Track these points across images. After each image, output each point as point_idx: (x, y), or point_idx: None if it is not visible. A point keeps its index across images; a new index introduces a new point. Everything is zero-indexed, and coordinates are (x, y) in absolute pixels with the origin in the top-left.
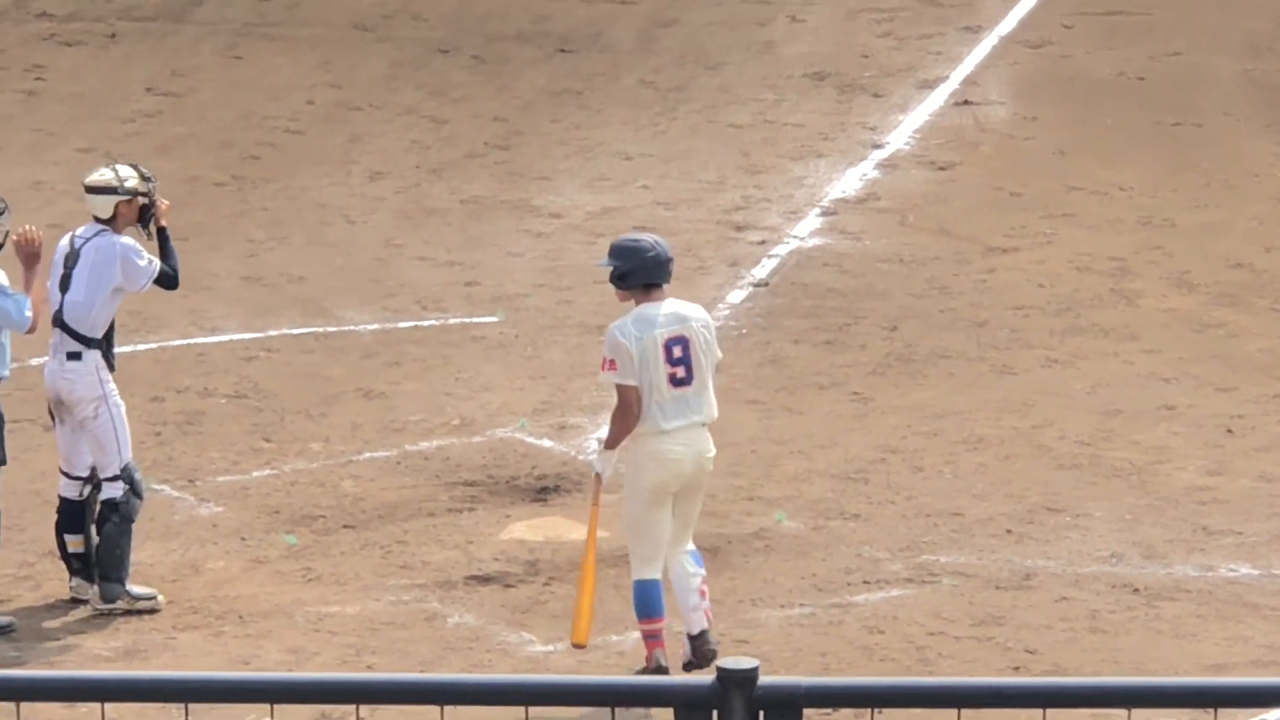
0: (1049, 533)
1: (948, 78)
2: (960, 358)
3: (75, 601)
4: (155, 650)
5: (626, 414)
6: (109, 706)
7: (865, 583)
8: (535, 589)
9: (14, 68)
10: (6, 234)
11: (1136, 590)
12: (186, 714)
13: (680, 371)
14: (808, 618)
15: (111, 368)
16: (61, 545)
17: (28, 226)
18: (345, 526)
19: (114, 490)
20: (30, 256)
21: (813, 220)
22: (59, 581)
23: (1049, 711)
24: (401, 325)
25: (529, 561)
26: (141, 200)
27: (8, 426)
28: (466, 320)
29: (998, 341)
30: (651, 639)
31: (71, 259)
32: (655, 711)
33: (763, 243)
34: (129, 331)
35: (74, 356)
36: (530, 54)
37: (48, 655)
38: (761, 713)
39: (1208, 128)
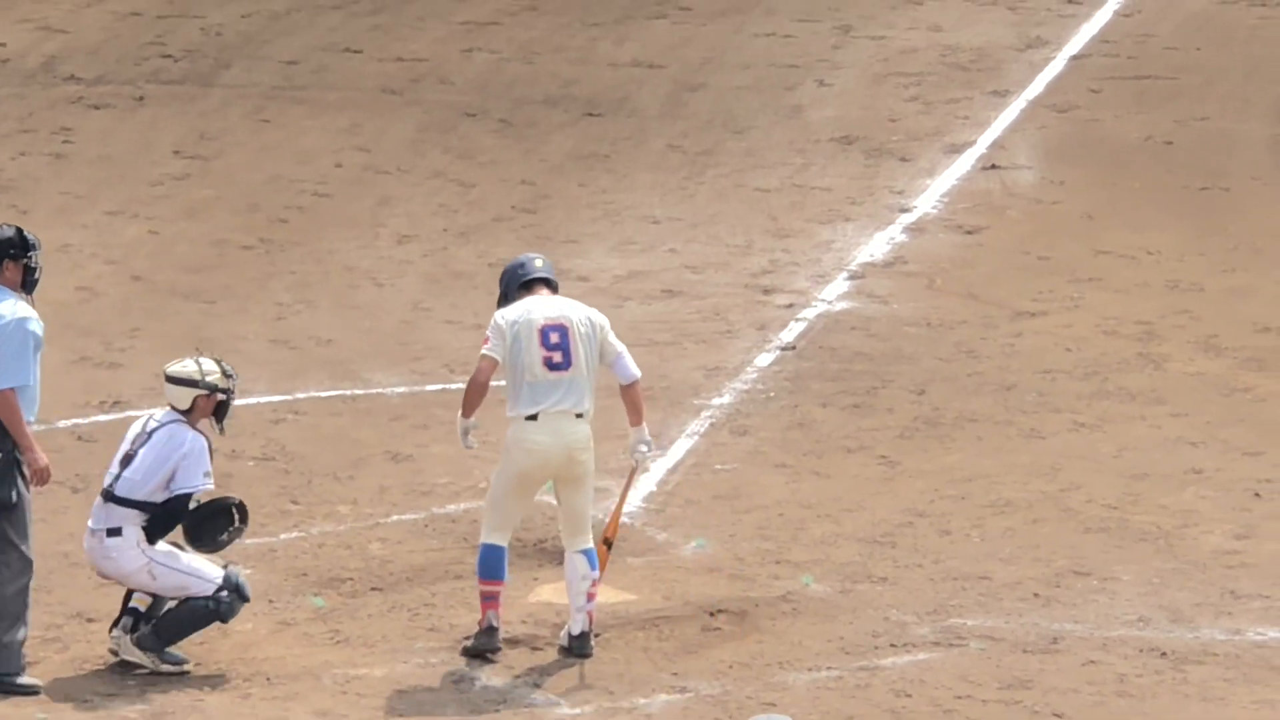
0: (1076, 596)
1: (975, 142)
2: (988, 421)
3: (110, 656)
4: (183, 712)
5: (472, 383)
6: None
7: (892, 646)
8: (563, 652)
9: (42, 130)
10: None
11: (1164, 654)
12: None
13: (556, 356)
14: (835, 681)
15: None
16: (127, 595)
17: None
18: (373, 589)
19: (221, 595)
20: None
21: (840, 284)
22: (86, 644)
23: None
24: (429, 388)
25: (557, 624)
26: (220, 396)
27: (34, 488)
28: (495, 384)
29: (1025, 405)
30: (487, 600)
31: (140, 439)
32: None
33: (790, 306)
34: (157, 394)
35: (114, 533)
36: (557, 118)
37: (75, 718)
38: None
39: (1235, 192)
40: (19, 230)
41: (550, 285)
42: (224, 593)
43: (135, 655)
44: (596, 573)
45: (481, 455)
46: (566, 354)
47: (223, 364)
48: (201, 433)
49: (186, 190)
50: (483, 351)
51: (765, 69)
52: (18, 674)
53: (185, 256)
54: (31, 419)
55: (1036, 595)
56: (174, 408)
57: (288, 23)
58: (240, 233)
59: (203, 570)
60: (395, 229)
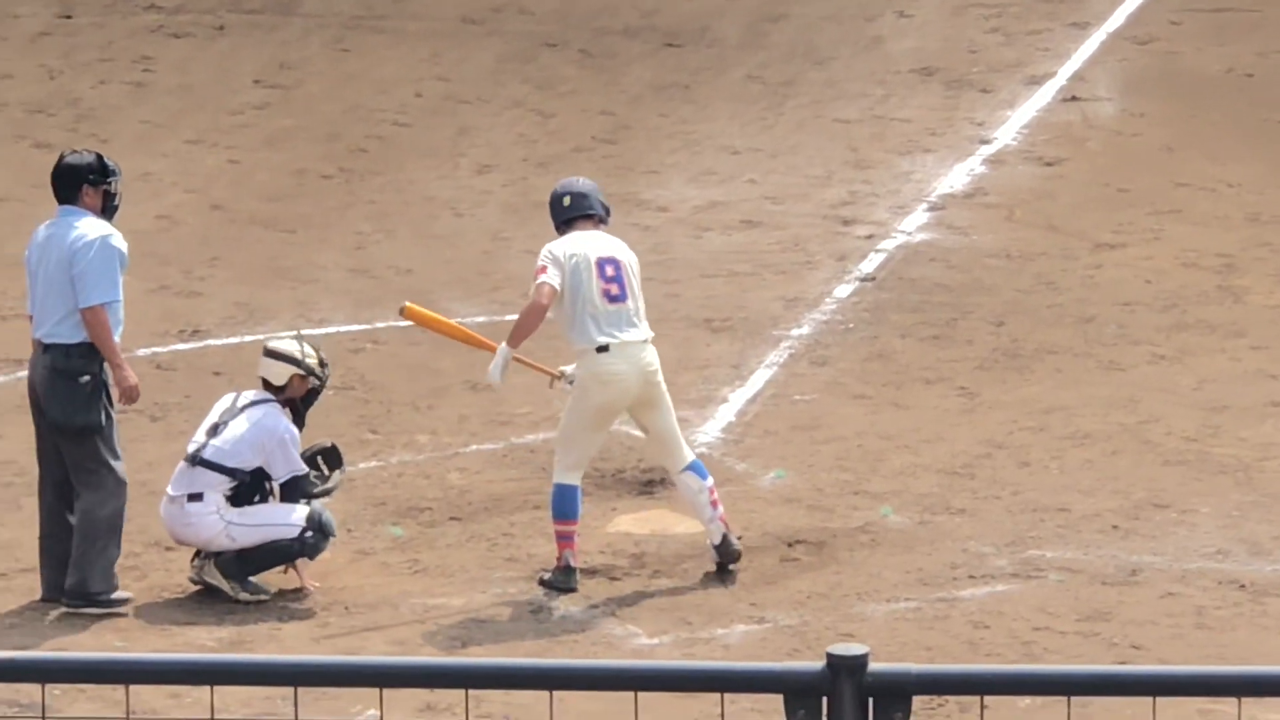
0: (1155, 528)
1: (1055, 74)
2: (1067, 353)
3: (188, 584)
4: (260, 641)
5: (532, 308)
6: (215, 694)
7: (971, 577)
8: (641, 582)
9: (122, 59)
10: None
11: (1243, 586)
12: (296, 702)
13: (614, 288)
14: (913, 612)
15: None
16: None
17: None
18: (451, 519)
19: (306, 535)
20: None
21: (920, 215)
22: (164, 573)
23: (1157, 701)
24: (508, 318)
25: (634, 554)
26: (314, 382)
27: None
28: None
29: (1104, 337)
30: (564, 539)
31: (230, 412)
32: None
33: (870, 237)
34: (236, 324)
35: (195, 498)
36: (637, 48)
37: (153, 645)
38: (870, 700)
39: None
40: (99, 156)
41: (594, 218)
42: (309, 533)
43: (216, 579)
44: (709, 480)
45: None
46: (622, 286)
47: (321, 353)
48: (296, 416)
49: (266, 119)
50: (541, 279)
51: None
52: (110, 592)
53: (265, 185)
54: (116, 338)
55: (1115, 527)
56: (266, 384)
57: None
58: (320, 162)
59: (286, 517)
60: (475, 159)
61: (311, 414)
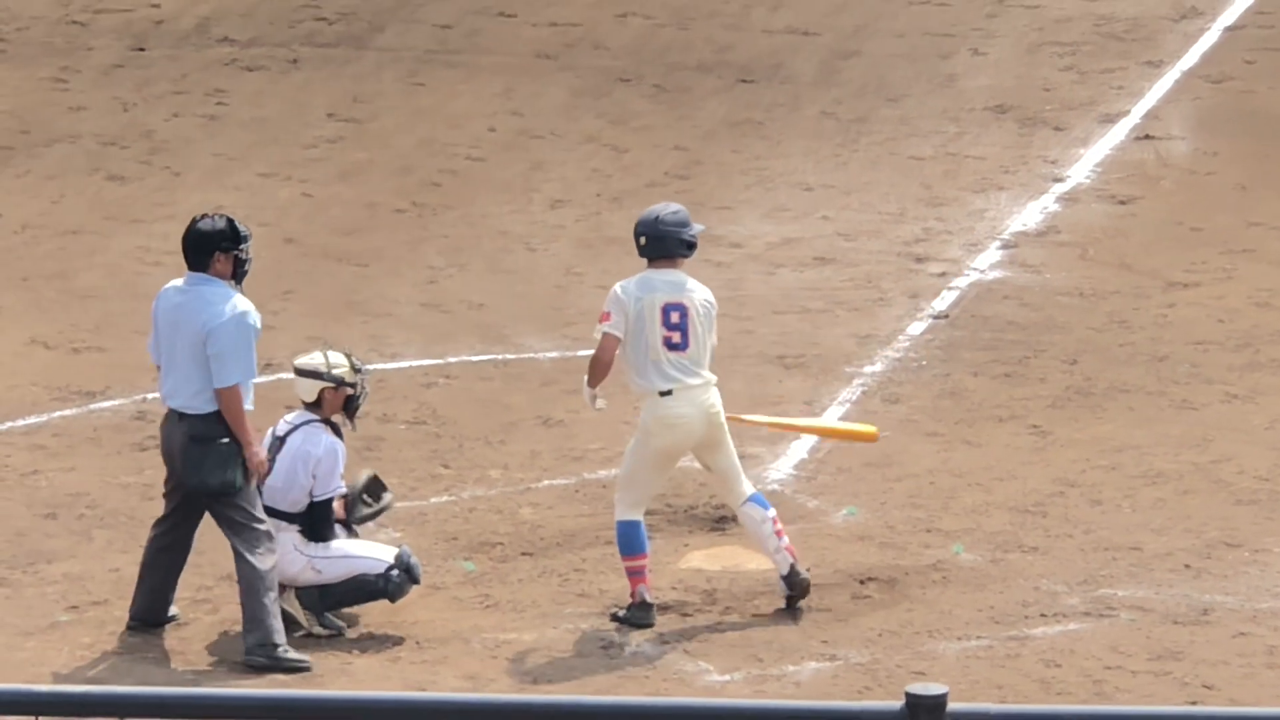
0: (1227, 568)
1: (1129, 112)
2: (1139, 392)
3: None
4: (332, 675)
5: (597, 362)
6: None
7: (1043, 616)
8: (712, 618)
9: (196, 92)
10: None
11: None
12: None
13: (675, 336)
14: (985, 650)
15: (323, 538)
16: None
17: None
18: (523, 554)
19: (391, 573)
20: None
21: (993, 253)
22: (236, 605)
23: None
24: (581, 353)
25: (706, 591)
26: (349, 390)
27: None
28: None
29: (1177, 376)
30: (635, 575)
31: (275, 447)
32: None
33: (943, 275)
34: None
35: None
36: (711, 84)
37: (225, 679)
38: None
39: None
40: (230, 221)
41: (671, 259)
42: (394, 572)
43: (294, 608)
44: (771, 510)
45: (633, 421)
46: (685, 335)
47: (352, 357)
48: (337, 429)
49: (339, 153)
50: (604, 329)
51: (919, 37)
52: (280, 646)
53: (338, 219)
54: (250, 407)
55: (1187, 566)
56: (303, 402)
57: None
58: (393, 196)
59: (372, 552)
60: (548, 194)
61: (385, 449)
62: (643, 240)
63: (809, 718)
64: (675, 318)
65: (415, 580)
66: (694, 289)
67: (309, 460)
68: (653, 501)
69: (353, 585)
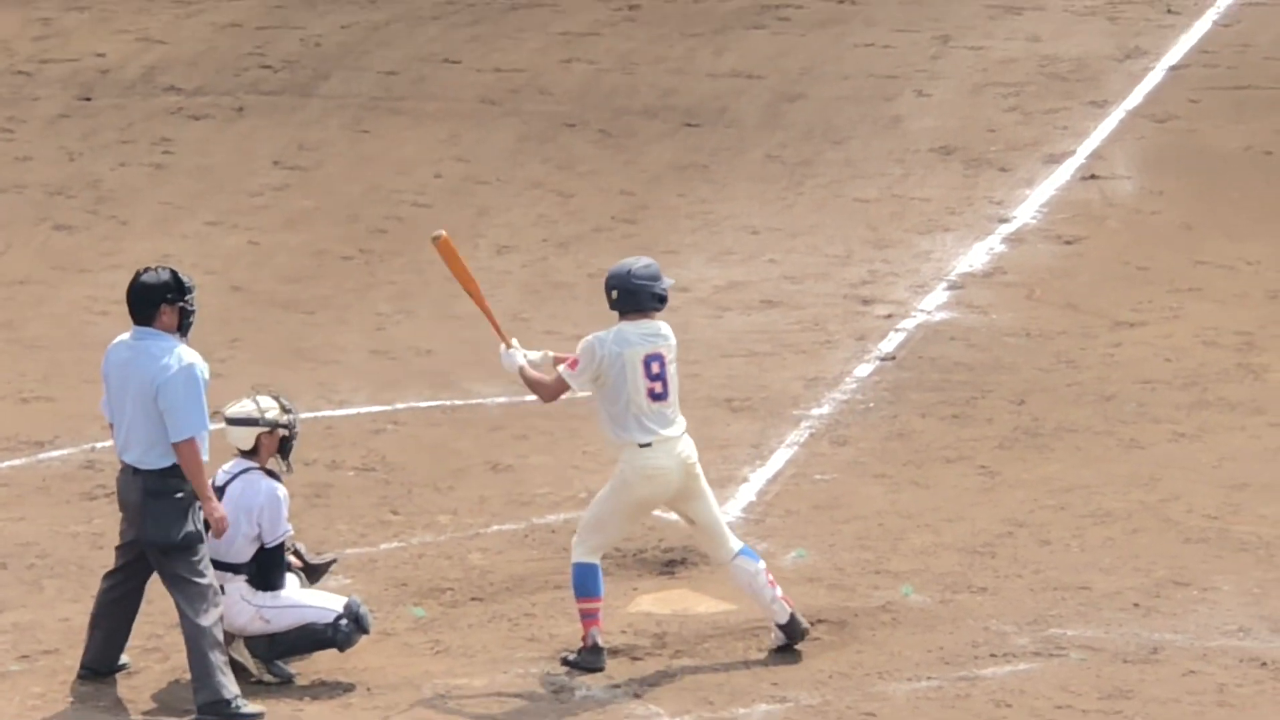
0: (1176, 606)
1: (1074, 152)
2: (1087, 431)
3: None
4: None
5: (542, 389)
6: None
7: (992, 656)
8: (663, 661)
9: (142, 141)
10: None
11: (1264, 664)
12: None
13: (658, 387)
14: (935, 691)
15: (272, 586)
16: None
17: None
18: (473, 599)
19: (340, 622)
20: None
21: (940, 294)
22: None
23: None
24: (529, 399)
25: (656, 634)
26: (282, 432)
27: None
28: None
29: (1125, 415)
30: (589, 618)
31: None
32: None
33: (889, 316)
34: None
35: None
36: (656, 128)
37: None
38: None
39: None
40: (174, 273)
41: (649, 310)
42: (344, 621)
43: (243, 656)
44: (761, 563)
45: (582, 466)
46: (665, 384)
47: (281, 399)
48: (275, 475)
49: (286, 201)
50: (566, 375)
51: (864, 79)
52: (232, 700)
53: (285, 267)
54: (206, 459)
55: (1136, 605)
56: (240, 452)
57: (386, 33)
58: (340, 243)
59: (321, 601)
60: (494, 239)
61: (334, 495)
62: (614, 294)
63: None
64: (655, 368)
65: (364, 629)
66: (666, 333)
67: (251, 510)
68: None
69: (302, 634)
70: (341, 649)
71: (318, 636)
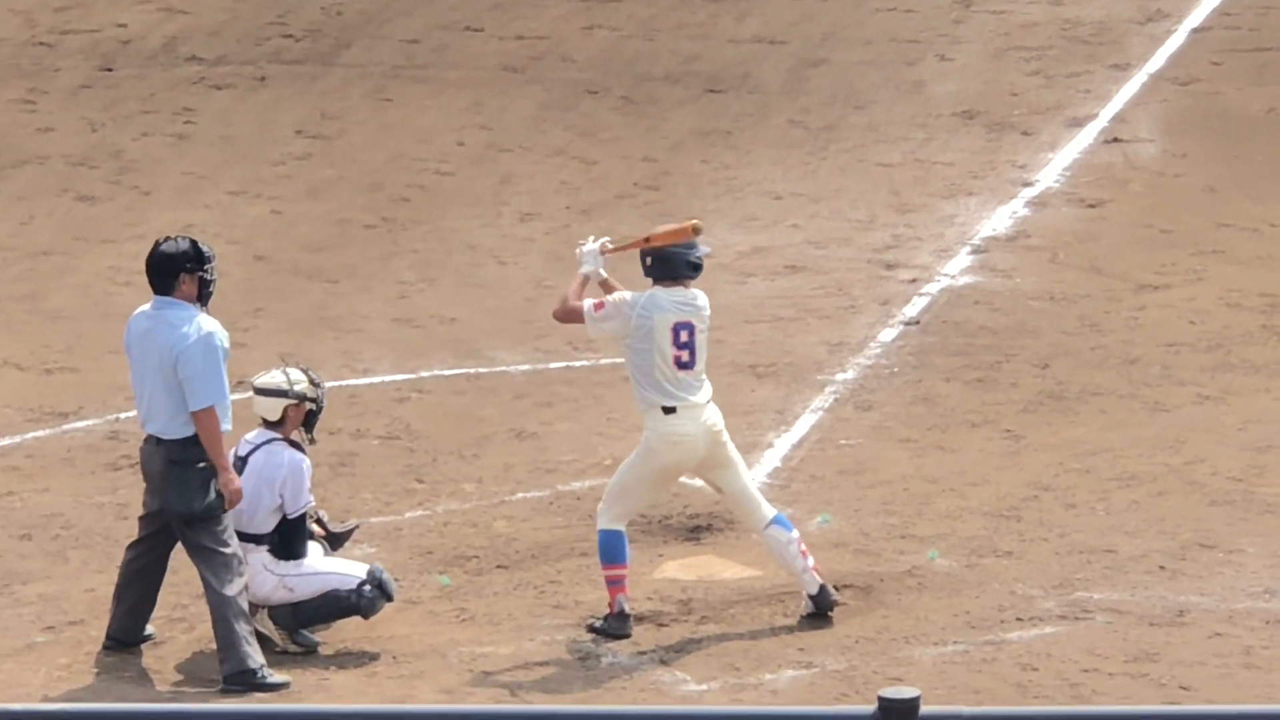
0: (1202, 569)
1: (1097, 115)
2: (1112, 395)
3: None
4: (309, 691)
5: (566, 309)
6: None
7: (1019, 620)
8: (689, 627)
9: (164, 111)
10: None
11: None
12: None
13: (685, 355)
14: (961, 655)
15: (294, 555)
16: None
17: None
18: (499, 567)
19: (364, 589)
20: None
21: (963, 258)
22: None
23: None
24: (553, 366)
25: (682, 600)
26: (310, 405)
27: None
28: (617, 360)
29: (1149, 378)
30: (615, 585)
31: (237, 467)
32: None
33: (914, 281)
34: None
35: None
36: (679, 95)
37: (204, 696)
38: None
39: None
40: (194, 242)
41: (683, 278)
42: (367, 587)
43: (268, 628)
44: (795, 532)
45: (606, 433)
46: (693, 353)
47: (310, 372)
48: (298, 445)
49: (308, 170)
50: (587, 313)
51: (886, 44)
52: (263, 667)
53: (308, 236)
54: (228, 427)
55: (1162, 568)
56: (265, 421)
57: (408, 1)
58: (362, 212)
59: (344, 568)
60: (517, 207)
61: (359, 464)
62: (649, 261)
63: None
64: (685, 336)
65: (388, 596)
66: (701, 304)
67: (274, 481)
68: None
69: (325, 602)
70: (366, 616)
71: (342, 604)
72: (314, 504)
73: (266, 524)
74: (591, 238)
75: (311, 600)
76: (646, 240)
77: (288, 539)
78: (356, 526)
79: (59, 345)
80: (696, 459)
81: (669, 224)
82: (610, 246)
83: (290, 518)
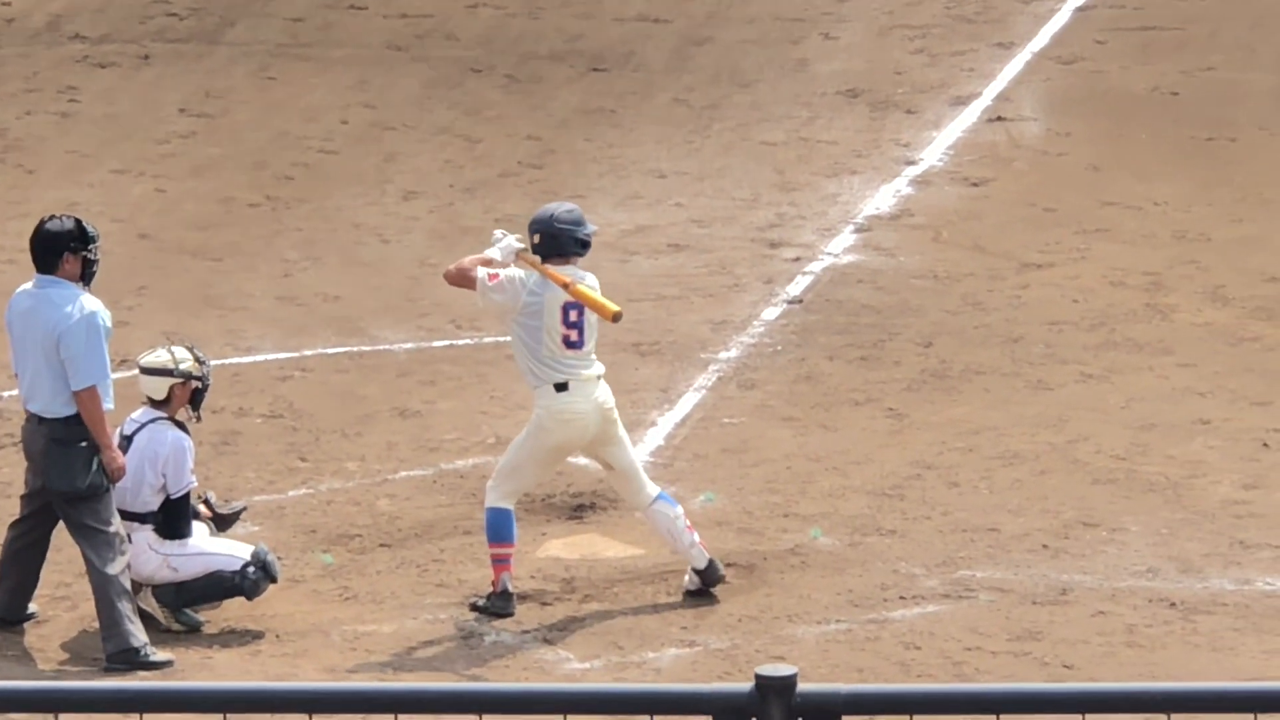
0: (1085, 547)
1: (981, 94)
2: (995, 373)
3: None
4: (193, 669)
5: (461, 274)
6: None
7: (901, 598)
8: (572, 606)
9: (48, 89)
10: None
11: (1173, 604)
12: None
13: (573, 335)
14: (844, 633)
15: (179, 535)
16: None
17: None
18: (382, 545)
19: (248, 570)
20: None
21: (847, 237)
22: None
23: (1088, 717)
24: (436, 344)
25: (565, 579)
26: (195, 384)
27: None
28: (500, 339)
29: (1032, 357)
30: (500, 563)
31: (122, 446)
32: None
33: (797, 260)
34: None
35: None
36: (563, 73)
37: (85, 674)
38: None
39: (1242, 142)
40: (78, 221)
41: (567, 257)
42: (251, 569)
43: (151, 606)
44: (679, 508)
45: (490, 411)
46: (581, 332)
47: (195, 350)
48: (182, 425)
49: (193, 148)
50: (481, 280)
51: (770, 23)
52: (146, 646)
53: (192, 214)
54: (110, 406)
55: (1045, 546)
56: (150, 400)
57: None
58: (247, 190)
59: (228, 549)
60: (401, 185)
61: (242, 443)
62: (536, 239)
63: (662, 701)
64: (574, 315)
65: (272, 577)
66: (591, 283)
67: (156, 460)
68: None
69: (209, 582)
70: (250, 597)
71: (225, 584)
72: (196, 484)
73: (150, 503)
74: (515, 237)
75: (196, 580)
76: (565, 285)
77: (171, 519)
78: (244, 509)
79: None
80: (588, 437)
81: (595, 290)
82: (526, 256)
83: (173, 497)
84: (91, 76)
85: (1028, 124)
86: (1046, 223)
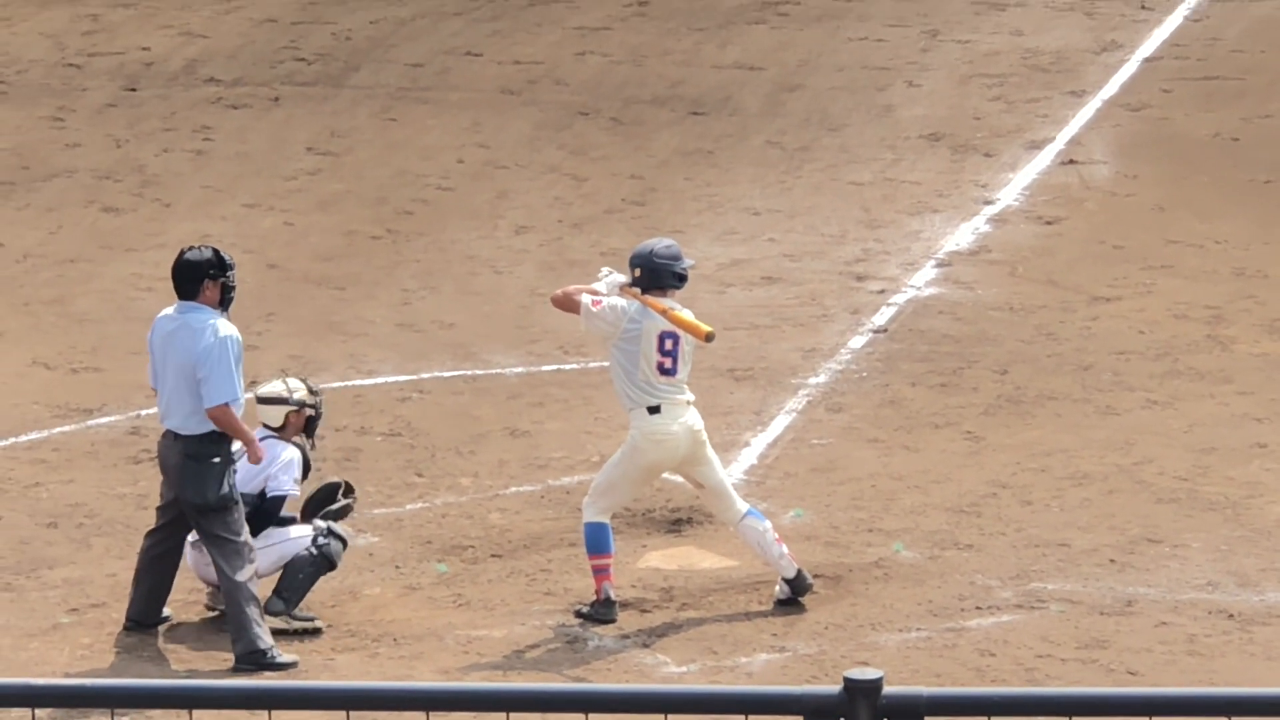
0: (1149, 562)
1: (1054, 139)
2: (1066, 399)
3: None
4: (315, 670)
5: (567, 299)
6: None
7: (978, 608)
8: (670, 613)
9: (184, 128)
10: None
11: (1231, 616)
12: None
13: (668, 362)
14: (924, 641)
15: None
16: None
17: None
18: (493, 555)
19: (318, 540)
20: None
21: (928, 271)
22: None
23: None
24: (545, 369)
25: (664, 588)
26: (309, 411)
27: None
28: (606, 364)
29: (1101, 384)
30: (600, 573)
31: (237, 453)
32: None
33: (882, 292)
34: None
35: None
36: (665, 117)
37: (215, 674)
38: None
39: None
40: (216, 251)
41: (669, 288)
42: (319, 539)
43: (270, 621)
44: (768, 522)
45: (594, 431)
46: (675, 360)
47: (308, 382)
48: (299, 445)
49: (318, 184)
50: (585, 306)
51: (858, 71)
52: (273, 649)
53: (317, 246)
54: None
55: (1112, 561)
56: (267, 426)
57: (413, 28)
58: (369, 224)
59: (293, 533)
60: (513, 220)
61: (363, 459)
62: (637, 272)
63: (756, 702)
64: (669, 345)
65: (342, 540)
66: (685, 314)
67: (272, 461)
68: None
69: (295, 570)
70: (331, 560)
71: (307, 564)
72: (295, 495)
73: (247, 486)
74: (624, 278)
75: (281, 578)
76: (663, 312)
77: (260, 517)
78: (351, 504)
79: (84, 346)
80: (678, 457)
81: (692, 316)
82: (628, 290)
83: (269, 495)
84: (225, 117)
85: (1098, 167)
86: (1115, 259)
